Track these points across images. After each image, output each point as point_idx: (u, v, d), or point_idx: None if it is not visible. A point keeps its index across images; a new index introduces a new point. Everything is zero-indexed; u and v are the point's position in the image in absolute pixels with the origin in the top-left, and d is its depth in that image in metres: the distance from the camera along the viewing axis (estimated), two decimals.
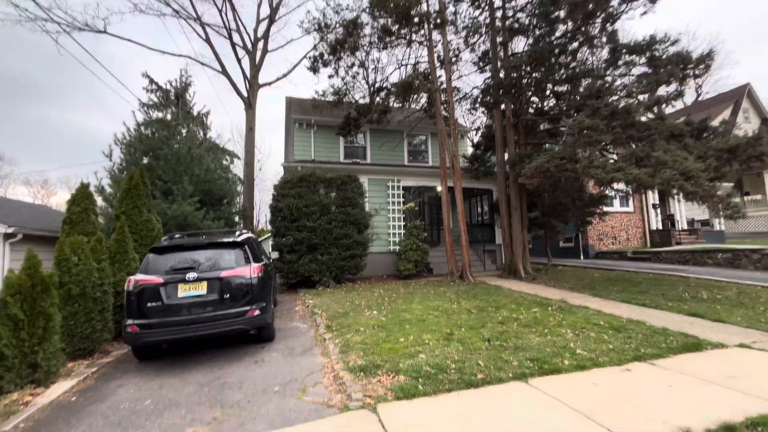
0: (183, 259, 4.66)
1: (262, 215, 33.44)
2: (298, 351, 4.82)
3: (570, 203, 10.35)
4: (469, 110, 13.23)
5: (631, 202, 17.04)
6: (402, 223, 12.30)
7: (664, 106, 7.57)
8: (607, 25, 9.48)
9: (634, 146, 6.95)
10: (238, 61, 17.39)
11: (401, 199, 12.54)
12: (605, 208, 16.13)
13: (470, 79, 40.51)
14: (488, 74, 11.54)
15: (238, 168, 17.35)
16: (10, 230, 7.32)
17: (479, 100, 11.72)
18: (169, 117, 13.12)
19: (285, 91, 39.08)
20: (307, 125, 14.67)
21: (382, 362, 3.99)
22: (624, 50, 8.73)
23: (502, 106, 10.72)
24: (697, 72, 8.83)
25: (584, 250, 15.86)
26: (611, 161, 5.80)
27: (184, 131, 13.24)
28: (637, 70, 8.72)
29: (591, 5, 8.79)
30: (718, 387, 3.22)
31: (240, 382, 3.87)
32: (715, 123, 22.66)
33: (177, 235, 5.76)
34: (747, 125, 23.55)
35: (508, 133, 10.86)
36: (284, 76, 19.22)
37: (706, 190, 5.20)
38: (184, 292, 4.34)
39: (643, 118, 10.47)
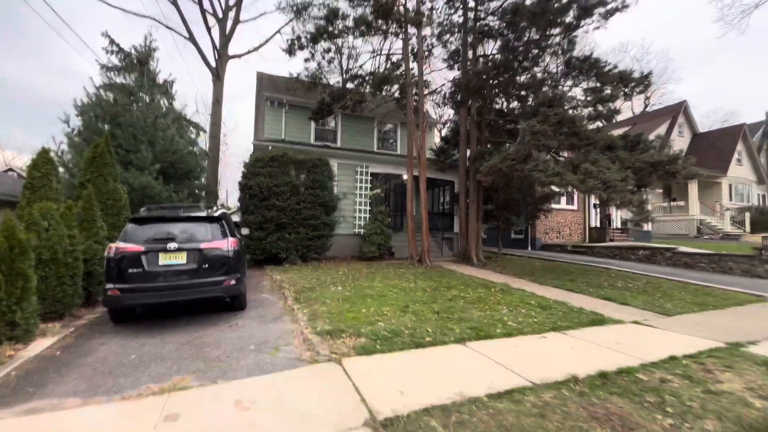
0: (162, 231, 4.93)
1: (224, 190, 32.57)
2: (269, 318, 5.32)
3: (521, 199, 11.47)
4: (439, 104, 13.89)
5: (576, 200, 18.79)
6: (368, 208, 12.84)
7: (604, 120, 8.64)
8: (566, 36, 10.43)
9: (574, 154, 8.00)
10: (208, 29, 16.73)
11: (369, 185, 13.04)
12: (554, 205, 17.76)
13: (442, 73, 41.48)
14: (457, 72, 12.21)
15: (203, 141, 16.92)
16: None
17: (448, 96, 12.41)
18: (132, 83, 12.56)
19: (254, 65, 37.69)
20: (279, 104, 14.61)
21: (346, 328, 4.61)
22: (577, 62, 9.71)
23: (469, 104, 11.46)
24: (637, 89, 10.07)
25: (532, 242, 17.40)
26: (551, 166, 6.70)
27: (147, 99, 12.74)
28: (586, 84, 9.79)
29: (550, 16, 9.64)
30: (606, 349, 4.18)
31: (217, 342, 4.33)
32: (654, 134, 24.70)
33: (154, 207, 5.93)
34: (681, 138, 26.40)
35: (471, 130, 11.66)
36: (256, 49, 18.74)
37: (622, 197, 6.27)
38: (164, 260, 4.65)
39: (591, 127, 11.65)
